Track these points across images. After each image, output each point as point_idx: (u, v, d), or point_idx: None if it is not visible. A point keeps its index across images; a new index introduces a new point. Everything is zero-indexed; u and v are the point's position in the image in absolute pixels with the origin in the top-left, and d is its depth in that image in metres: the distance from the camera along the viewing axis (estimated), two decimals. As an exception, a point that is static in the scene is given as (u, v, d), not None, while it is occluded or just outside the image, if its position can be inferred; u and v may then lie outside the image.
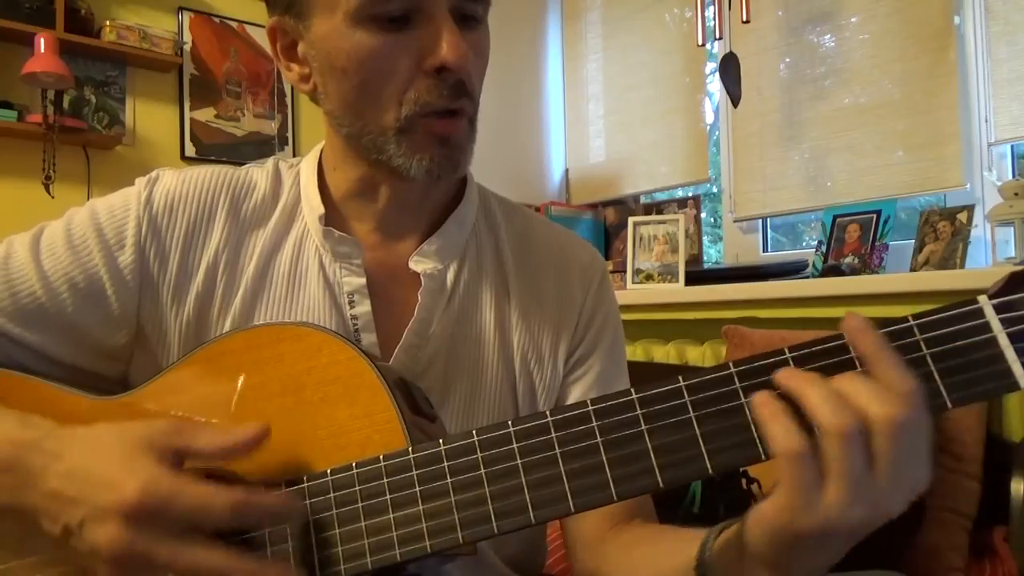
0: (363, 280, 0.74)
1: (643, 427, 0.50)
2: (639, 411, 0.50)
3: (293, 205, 0.77)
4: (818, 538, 0.46)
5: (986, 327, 0.45)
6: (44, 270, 0.70)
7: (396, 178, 0.72)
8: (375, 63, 0.66)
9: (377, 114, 0.68)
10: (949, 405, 0.46)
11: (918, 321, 0.47)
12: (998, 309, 0.45)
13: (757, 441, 0.48)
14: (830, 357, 0.48)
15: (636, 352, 2.28)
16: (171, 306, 0.73)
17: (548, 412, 0.52)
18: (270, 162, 0.80)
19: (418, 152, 0.68)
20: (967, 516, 1.45)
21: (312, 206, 0.76)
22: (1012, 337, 0.45)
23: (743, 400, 0.48)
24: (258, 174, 0.78)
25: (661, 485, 0.49)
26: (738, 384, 0.49)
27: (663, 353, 2.23)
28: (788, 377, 0.47)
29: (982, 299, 0.46)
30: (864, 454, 0.44)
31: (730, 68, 2.26)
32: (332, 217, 0.76)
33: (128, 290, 0.72)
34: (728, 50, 2.36)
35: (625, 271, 2.44)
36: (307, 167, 0.79)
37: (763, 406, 0.46)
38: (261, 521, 0.55)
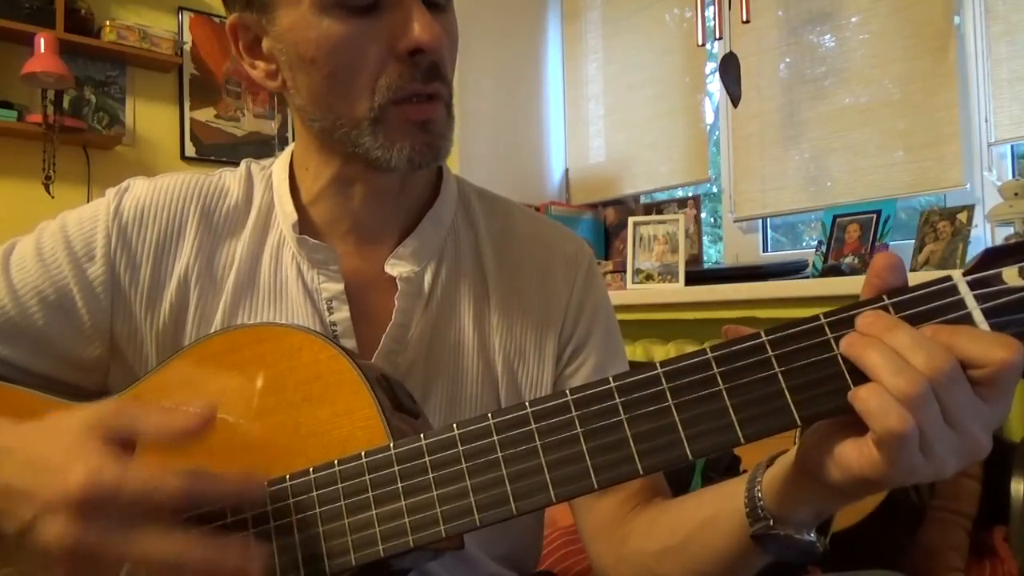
0: (341, 286, 0.73)
1: (622, 415, 0.49)
2: (618, 399, 0.49)
3: (267, 211, 0.76)
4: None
5: (960, 304, 0.45)
6: (13, 284, 0.70)
7: (372, 172, 0.71)
8: (345, 51, 0.65)
9: (349, 105, 0.67)
10: None
11: (892, 300, 0.46)
12: (972, 285, 0.45)
13: (736, 426, 0.47)
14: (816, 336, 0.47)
15: (636, 352, 2.28)
16: (144, 317, 0.72)
17: (528, 403, 0.51)
18: (242, 165, 0.80)
19: (397, 141, 0.67)
20: (967, 516, 1.45)
21: (285, 212, 0.75)
22: (987, 313, 0.44)
23: (721, 387, 0.48)
24: (230, 179, 0.78)
25: (641, 472, 0.48)
26: (715, 369, 0.48)
27: (663, 353, 2.23)
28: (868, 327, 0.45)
29: (955, 275, 0.45)
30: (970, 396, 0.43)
31: (730, 68, 2.26)
32: (305, 222, 0.75)
33: (98, 301, 0.71)
34: (728, 50, 2.35)
35: (625, 271, 2.43)
36: (279, 169, 0.78)
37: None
38: (218, 500, 0.52)
